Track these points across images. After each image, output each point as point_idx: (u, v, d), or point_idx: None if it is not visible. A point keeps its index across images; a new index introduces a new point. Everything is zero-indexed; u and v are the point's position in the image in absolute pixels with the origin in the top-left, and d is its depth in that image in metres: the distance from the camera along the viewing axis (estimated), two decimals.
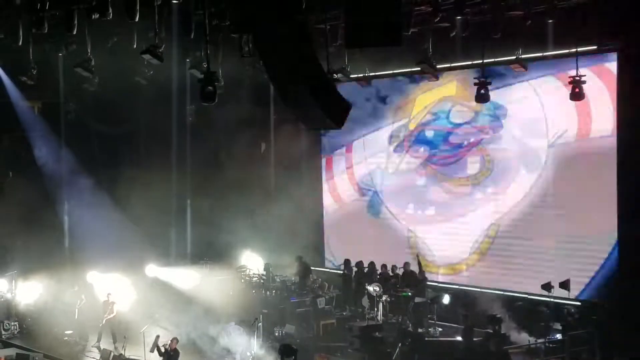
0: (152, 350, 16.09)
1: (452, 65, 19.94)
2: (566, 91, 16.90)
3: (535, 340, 17.38)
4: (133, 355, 16.93)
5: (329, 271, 23.41)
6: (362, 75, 21.69)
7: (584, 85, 16.33)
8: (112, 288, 19.51)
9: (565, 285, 18.18)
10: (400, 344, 17.39)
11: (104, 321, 18.72)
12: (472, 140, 21.02)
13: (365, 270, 21.87)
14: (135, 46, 17.54)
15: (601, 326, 16.87)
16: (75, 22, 15.51)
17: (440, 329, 19.27)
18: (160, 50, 16.27)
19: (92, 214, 21.92)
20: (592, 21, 16.05)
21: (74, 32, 15.82)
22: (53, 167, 22.68)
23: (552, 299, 18.38)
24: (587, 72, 17.14)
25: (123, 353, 17.01)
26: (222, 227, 22.48)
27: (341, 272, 22.50)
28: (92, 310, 19.26)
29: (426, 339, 18.15)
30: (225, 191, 22.65)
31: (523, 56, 17.90)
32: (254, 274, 22.99)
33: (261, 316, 18.29)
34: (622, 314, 17.28)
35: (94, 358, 18.19)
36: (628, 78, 17.74)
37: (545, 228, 19.56)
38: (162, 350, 15.91)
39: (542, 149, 19.55)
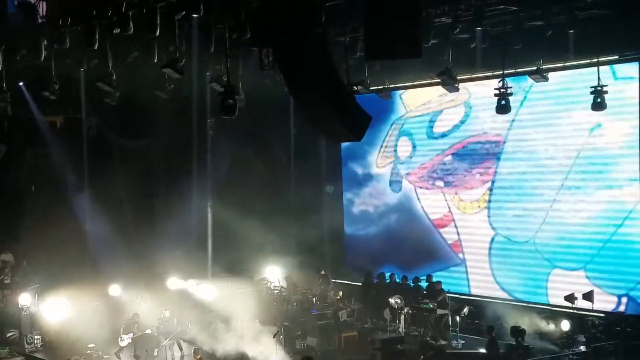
0: None
1: (473, 76, 19.88)
2: None
3: (559, 352, 17.24)
4: None
5: (350, 283, 23.33)
6: (381, 87, 21.66)
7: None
8: (135, 301, 19.62)
9: (588, 296, 18.02)
10: (422, 357, 17.33)
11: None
12: None
13: (387, 282, 21.83)
14: (155, 60, 17.61)
15: (626, 338, 16.72)
16: (97, 37, 15.57)
17: (462, 341, 19.15)
18: (181, 64, 16.34)
19: (114, 227, 22.00)
20: (613, 31, 15.98)
21: (95, 47, 15.89)
22: (75, 182, 22.75)
23: (575, 311, 18.24)
24: None
25: None
26: (243, 239, 22.50)
27: (362, 284, 22.46)
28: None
29: (448, 351, 18.07)
30: (247, 204, 22.67)
31: (544, 66, 17.80)
32: (275, 286, 22.96)
33: (282, 329, 18.26)
34: None
35: None
36: None
37: None
38: None
39: None
